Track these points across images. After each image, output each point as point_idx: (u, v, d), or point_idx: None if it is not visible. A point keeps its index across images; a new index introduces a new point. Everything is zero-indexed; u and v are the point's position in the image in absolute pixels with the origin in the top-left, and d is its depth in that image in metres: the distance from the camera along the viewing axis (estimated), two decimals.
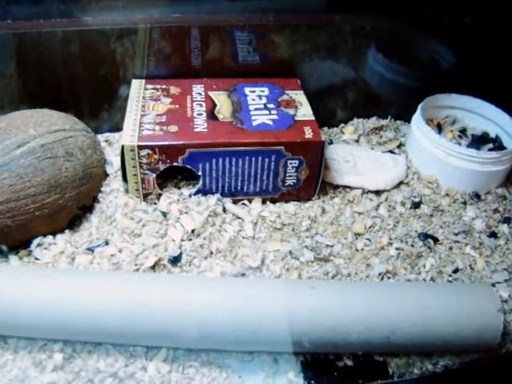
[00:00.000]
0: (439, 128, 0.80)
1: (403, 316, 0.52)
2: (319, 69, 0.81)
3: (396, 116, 0.84)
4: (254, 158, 0.63)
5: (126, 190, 0.66)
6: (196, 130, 0.64)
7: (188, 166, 0.63)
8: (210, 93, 0.71)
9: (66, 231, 0.64)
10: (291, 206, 0.69)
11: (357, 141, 0.80)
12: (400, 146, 0.80)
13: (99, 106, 0.78)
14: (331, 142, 0.79)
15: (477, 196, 0.73)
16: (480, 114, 0.80)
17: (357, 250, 0.65)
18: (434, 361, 0.56)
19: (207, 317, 0.51)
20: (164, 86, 0.72)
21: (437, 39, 0.81)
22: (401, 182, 0.74)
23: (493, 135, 0.80)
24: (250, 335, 0.52)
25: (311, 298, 0.53)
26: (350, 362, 0.56)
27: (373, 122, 0.83)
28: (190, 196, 0.66)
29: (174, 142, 0.62)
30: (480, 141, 0.79)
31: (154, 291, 0.53)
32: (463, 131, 0.80)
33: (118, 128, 0.79)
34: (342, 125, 0.84)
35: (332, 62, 0.81)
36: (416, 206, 0.71)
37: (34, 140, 0.60)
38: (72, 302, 0.52)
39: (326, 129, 0.83)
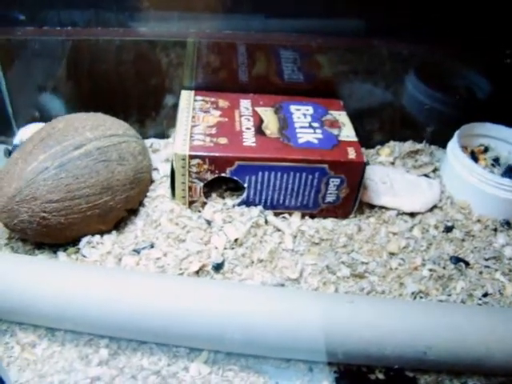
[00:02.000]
0: (473, 156, 0.82)
1: (437, 333, 0.54)
2: (358, 91, 0.84)
3: (431, 141, 0.86)
4: (298, 174, 0.66)
5: (172, 196, 0.68)
6: (245, 143, 0.66)
7: (235, 178, 0.66)
8: (257, 108, 0.73)
9: (113, 232, 0.66)
10: (329, 223, 0.71)
11: (392, 163, 0.83)
12: (435, 170, 0.82)
13: (146, 113, 0.81)
14: (368, 163, 0.81)
15: (507, 224, 0.75)
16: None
17: (391, 268, 0.67)
18: (463, 380, 0.57)
19: (250, 323, 0.54)
20: (213, 99, 0.74)
21: (474, 68, 0.83)
22: (434, 206, 0.76)
23: None
24: (289, 343, 0.54)
25: (350, 312, 0.55)
26: (381, 376, 0.58)
27: (408, 145, 0.85)
28: (234, 206, 0.68)
29: (225, 154, 0.64)
30: None
31: (200, 295, 0.55)
32: (496, 160, 0.82)
33: (162, 135, 0.82)
34: (379, 146, 0.86)
35: (371, 84, 0.84)
36: (448, 229, 0.73)
37: (91, 143, 0.63)
38: (120, 301, 0.54)
39: (362, 149, 0.85)
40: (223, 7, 0.76)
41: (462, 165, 0.76)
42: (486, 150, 0.84)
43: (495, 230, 0.75)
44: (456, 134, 0.79)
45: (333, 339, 0.54)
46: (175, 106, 0.78)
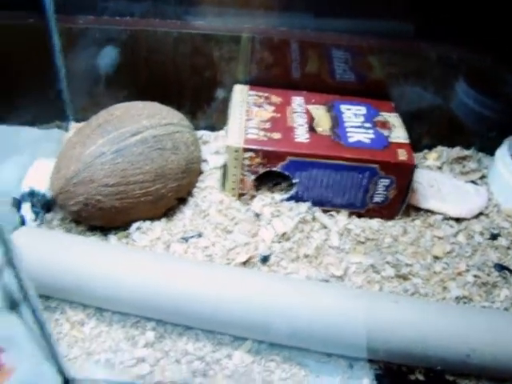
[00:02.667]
0: None
1: (481, 337, 0.55)
2: (408, 93, 0.84)
3: (479, 148, 0.86)
4: (348, 173, 0.67)
5: (222, 188, 0.69)
6: (297, 139, 0.67)
7: (286, 173, 0.67)
8: (309, 106, 0.74)
9: (163, 219, 0.68)
10: (375, 223, 0.71)
11: (440, 168, 0.83)
12: (482, 177, 0.82)
13: (198, 105, 0.82)
14: (417, 166, 0.81)
15: None
16: None
17: (434, 272, 0.67)
18: None
19: (295, 315, 0.54)
20: (266, 94, 0.75)
21: None
22: (481, 213, 0.76)
23: None
24: (333, 337, 0.55)
25: (394, 311, 0.55)
26: (421, 377, 0.58)
27: (456, 151, 0.85)
28: (282, 201, 0.69)
29: (277, 149, 0.65)
30: None
31: (248, 285, 0.56)
32: None
33: (212, 128, 0.83)
34: (426, 151, 0.86)
35: (420, 88, 0.83)
36: (494, 237, 0.73)
37: (147, 131, 0.64)
38: (169, 286, 0.56)
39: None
40: (279, 5, 0.77)
41: (511, 173, 0.76)
42: None
43: None
44: (506, 141, 0.79)
45: (376, 337, 0.55)
46: (226, 100, 0.79)
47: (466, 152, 0.85)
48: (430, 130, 0.87)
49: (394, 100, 0.82)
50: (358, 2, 0.76)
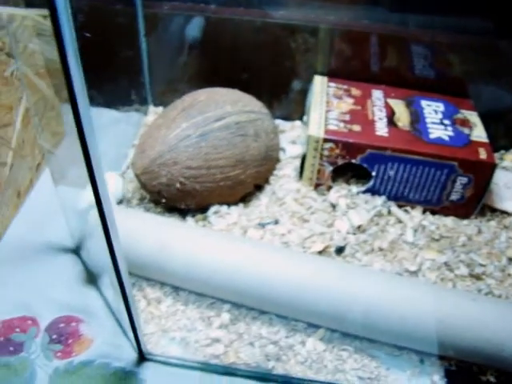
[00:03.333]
0: None
1: None
2: (486, 93, 0.82)
3: None
4: (427, 169, 0.66)
5: (300, 177, 0.70)
6: (377, 133, 0.67)
7: (364, 165, 0.67)
8: (389, 100, 0.74)
9: (240, 205, 0.69)
10: (449, 221, 0.71)
11: None
12: None
13: (277, 95, 0.83)
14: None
15: None
16: None
17: (509, 274, 0.66)
18: None
19: (371, 306, 0.55)
20: (346, 87, 0.76)
21: None
22: None
23: None
24: (407, 331, 0.55)
25: (472, 309, 0.55)
26: (492, 379, 0.57)
27: None
28: (358, 193, 0.69)
29: (358, 141, 0.66)
30: None
31: (325, 274, 0.57)
32: None
33: (289, 117, 0.84)
34: (503, 151, 0.85)
35: (499, 87, 0.82)
36: None
37: (230, 117, 0.65)
38: (246, 269, 0.57)
39: None
40: None
41: None
42: None
43: None
44: None
45: (450, 333, 0.55)
46: (303, 91, 0.80)
47: None
48: (508, 131, 0.86)
49: (473, 98, 0.81)
50: None
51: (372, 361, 0.57)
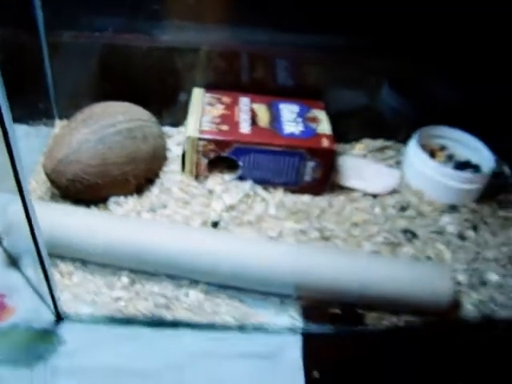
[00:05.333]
0: (432, 153, 1.00)
1: (378, 279, 0.73)
2: (341, 96, 1.02)
3: (399, 139, 1.04)
4: (282, 157, 0.84)
5: (183, 171, 0.87)
6: (241, 131, 0.85)
7: (232, 157, 0.84)
8: (254, 105, 0.92)
9: (135, 195, 0.85)
10: (306, 198, 0.89)
11: (365, 156, 1.01)
12: (398, 162, 1.00)
13: (164, 106, 0.99)
14: (344, 154, 1.00)
15: (454, 207, 0.93)
16: (465, 145, 1.00)
17: (352, 235, 0.85)
18: (398, 318, 0.75)
19: (237, 261, 0.72)
20: (218, 96, 0.93)
21: (437, 80, 1.01)
22: (394, 190, 0.94)
23: (475, 162, 0.99)
24: (268, 279, 0.72)
25: (319, 259, 0.73)
26: (337, 311, 0.75)
27: (379, 143, 1.03)
28: (230, 180, 0.87)
29: (225, 138, 0.83)
30: (463, 166, 0.98)
31: (201, 239, 0.73)
32: (451, 157, 1.00)
33: (175, 124, 1.00)
34: (354, 142, 1.04)
35: (352, 91, 1.02)
36: (403, 209, 0.91)
37: (121, 124, 0.81)
38: (139, 240, 0.73)
39: (341, 144, 1.03)
40: (231, 20, 0.95)
41: (419, 158, 0.94)
42: (443, 148, 1.02)
43: (443, 211, 0.93)
44: (415, 134, 0.97)
45: (303, 278, 0.72)
46: (187, 102, 0.97)
47: (387, 143, 1.04)
48: (359, 126, 1.06)
49: (330, 102, 1.00)
50: (297, 19, 0.93)
51: (242, 305, 0.74)
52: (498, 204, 0.97)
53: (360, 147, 1.02)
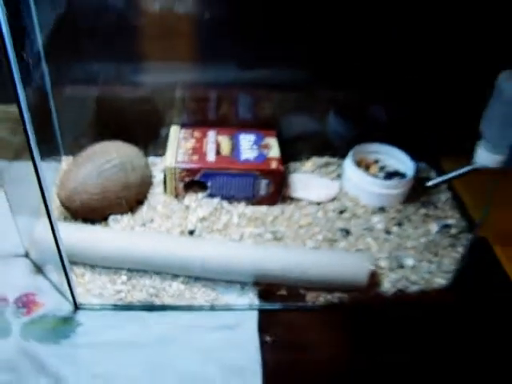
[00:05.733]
0: (367, 166, 1.25)
1: (316, 265, 0.97)
2: (294, 123, 1.26)
3: (341, 156, 1.29)
4: (241, 178, 1.09)
5: (165, 192, 1.12)
6: (208, 159, 1.10)
7: (202, 180, 1.10)
8: (219, 137, 1.17)
9: (129, 214, 1.10)
10: (263, 208, 1.14)
11: (312, 171, 1.26)
12: (339, 175, 1.25)
13: (150, 140, 1.23)
14: (296, 170, 1.25)
15: (383, 209, 1.17)
16: (394, 157, 1.25)
17: (299, 235, 1.09)
18: (331, 295, 1.00)
19: (210, 258, 0.96)
20: (191, 131, 1.18)
21: (372, 105, 1.26)
22: (334, 198, 1.19)
23: (402, 171, 1.24)
24: (231, 271, 0.97)
25: (270, 252, 0.98)
26: (284, 292, 1.00)
27: (325, 160, 1.27)
28: (202, 198, 1.12)
29: (195, 166, 1.08)
30: (392, 175, 1.23)
31: (180, 244, 0.98)
32: (382, 168, 1.25)
33: (159, 155, 1.25)
34: (305, 160, 1.29)
35: (303, 119, 1.27)
36: (341, 212, 1.16)
37: (115, 159, 1.06)
38: (135, 246, 0.97)
39: (294, 162, 1.28)
40: (202, 63, 1.19)
41: (353, 171, 1.19)
42: (377, 161, 1.27)
43: (373, 213, 1.17)
44: (350, 151, 1.22)
45: (259, 269, 0.96)
46: (167, 136, 1.22)
47: (331, 160, 1.28)
48: (309, 147, 1.29)
49: (285, 129, 1.23)
50: (254, 61, 1.18)
51: (213, 291, 0.98)
52: (421, 204, 1.21)
53: (308, 165, 1.27)
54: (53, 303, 0.95)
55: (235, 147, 1.13)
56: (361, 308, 0.98)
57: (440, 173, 1.24)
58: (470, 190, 1.22)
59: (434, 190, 1.26)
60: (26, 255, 1.03)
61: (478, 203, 1.19)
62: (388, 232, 1.11)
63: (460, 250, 1.08)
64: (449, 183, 1.25)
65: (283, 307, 0.97)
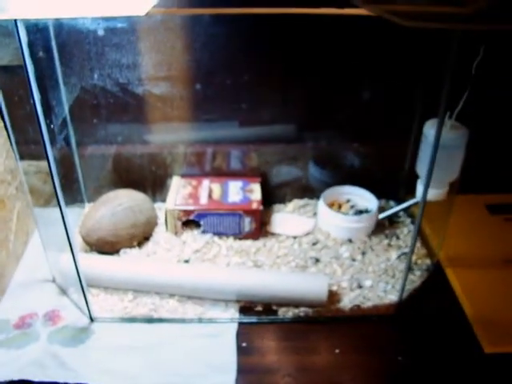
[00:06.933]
0: (340, 205, 1.49)
1: (280, 286, 1.20)
2: (279, 171, 1.51)
3: (318, 197, 1.51)
4: (228, 217, 1.33)
5: (166, 229, 1.38)
6: (201, 202, 1.35)
7: (196, 219, 1.35)
8: (212, 185, 1.41)
9: (137, 248, 1.35)
10: (248, 242, 1.36)
11: (293, 211, 1.50)
12: (315, 214, 1.49)
13: (157, 188, 1.48)
14: (279, 211, 1.49)
15: (350, 241, 1.39)
16: (363, 196, 1.48)
17: (276, 263, 1.31)
18: (298, 310, 1.22)
19: (200, 280, 1.20)
20: (189, 181, 1.43)
21: (345, 154, 1.50)
22: (309, 233, 1.42)
23: (371, 209, 1.47)
24: (218, 291, 1.21)
25: (251, 276, 1.22)
26: (260, 308, 1.22)
27: (304, 201, 1.50)
28: (197, 234, 1.37)
29: (190, 208, 1.33)
30: (362, 212, 1.45)
31: (177, 269, 1.23)
32: (353, 206, 1.48)
33: (163, 200, 1.50)
34: (287, 202, 1.53)
35: (285, 167, 1.51)
36: (314, 244, 1.38)
37: (126, 203, 1.32)
38: (139, 273, 1.22)
39: (278, 204, 1.53)
40: (199, 124, 1.45)
41: (325, 210, 1.43)
42: (348, 201, 1.50)
43: (342, 244, 1.39)
44: (322, 194, 1.46)
45: (242, 289, 1.19)
46: (169, 185, 1.47)
47: (309, 201, 1.52)
48: (291, 191, 1.53)
49: (271, 176, 1.47)
50: (243, 120, 1.44)
51: (201, 307, 1.20)
52: (385, 235, 1.42)
53: (290, 206, 1.51)
54: (73, 317, 1.16)
55: (224, 192, 1.38)
56: (322, 320, 1.19)
57: None
58: (429, 222, 1.42)
59: (399, 223, 1.46)
60: (53, 280, 1.28)
61: (435, 232, 1.39)
62: (353, 259, 1.32)
63: (418, 273, 1.27)
64: (412, 217, 1.47)
65: (259, 320, 1.13)
